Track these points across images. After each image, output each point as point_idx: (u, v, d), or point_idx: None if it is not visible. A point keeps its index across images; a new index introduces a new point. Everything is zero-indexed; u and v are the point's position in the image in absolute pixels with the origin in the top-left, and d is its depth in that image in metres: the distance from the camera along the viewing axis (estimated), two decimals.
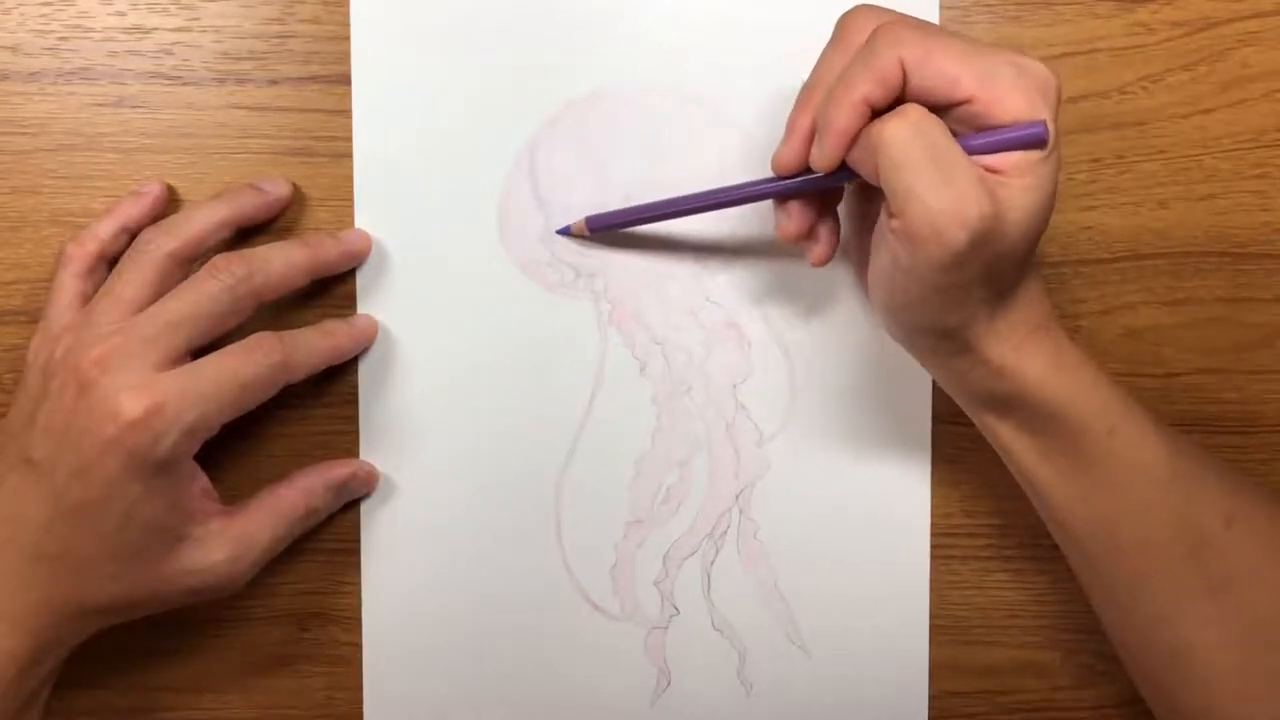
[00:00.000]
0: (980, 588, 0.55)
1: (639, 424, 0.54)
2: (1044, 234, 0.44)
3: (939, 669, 0.55)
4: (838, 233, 0.48)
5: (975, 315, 0.44)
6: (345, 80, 0.53)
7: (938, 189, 0.41)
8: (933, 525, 0.55)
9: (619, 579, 0.54)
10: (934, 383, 0.54)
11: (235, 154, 0.53)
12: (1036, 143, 0.42)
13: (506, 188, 0.53)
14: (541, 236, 0.53)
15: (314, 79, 0.53)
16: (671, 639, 0.55)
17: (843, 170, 0.45)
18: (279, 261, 0.49)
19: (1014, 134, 0.42)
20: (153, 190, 0.52)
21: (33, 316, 0.53)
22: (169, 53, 0.52)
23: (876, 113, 0.43)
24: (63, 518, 0.45)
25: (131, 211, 0.51)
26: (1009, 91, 0.42)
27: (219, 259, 0.48)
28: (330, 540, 0.54)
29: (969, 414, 0.49)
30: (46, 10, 0.52)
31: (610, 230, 0.52)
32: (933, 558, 0.55)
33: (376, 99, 0.53)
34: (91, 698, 0.54)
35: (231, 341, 0.48)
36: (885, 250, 0.44)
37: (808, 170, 0.46)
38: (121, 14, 0.52)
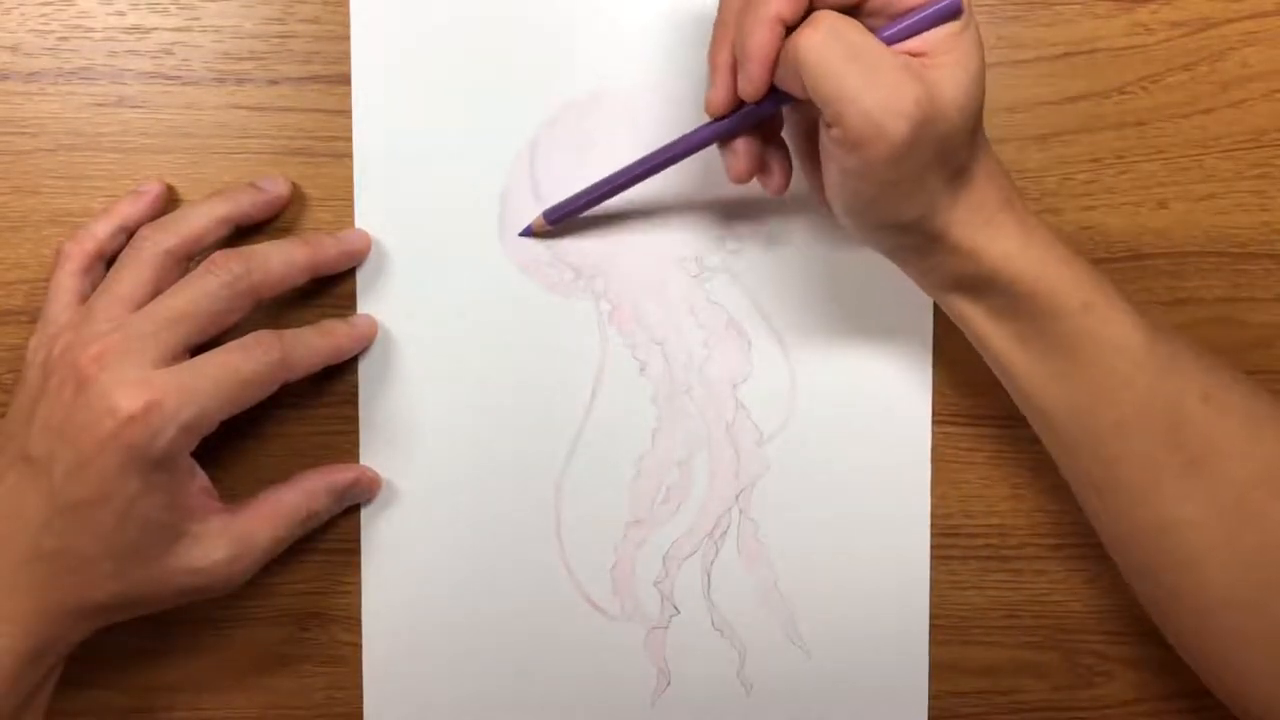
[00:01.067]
0: (980, 588, 0.55)
1: (639, 424, 0.54)
2: (984, 109, 0.44)
3: (939, 669, 0.55)
4: (789, 160, 0.48)
5: (935, 203, 0.44)
6: (345, 80, 0.53)
7: (867, 88, 0.41)
8: (933, 525, 0.55)
9: (619, 579, 0.54)
10: (934, 383, 0.54)
11: (235, 154, 0.53)
12: (952, 13, 0.42)
13: (506, 187, 0.53)
14: (542, 236, 0.53)
15: (314, 79, 0.53)
16: (671, 639, 0.55)
17: (775, 95, 0.45)
18: (278, 259, 0.49)
19: (928, 12, 0.42)
20: (152, 189, 0.52)
21: (33, 316, 0.53)
22: (169, 53, 0.52)
23: (792, 29, 0.43)
24: (61, 515, 0.45)
25: (129, 211, 0.51)
26: None
27: (217, 256, 0.48)
28: (330, 540, 0.54)
29: (944, 306, 0.49)
30: (46, 10, 0.52)
31: (569, 218, 0.52)
32: (933, 558, 0.55)
33: (376, 99, 0.53)
34: (91, 698, 0.54)
35: (230, 339, 0.48)
36: (831, 161, 0.44)
37: (741, 105, 0.46)
38: (121, 14, 0.52)
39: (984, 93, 0.44)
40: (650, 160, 0.49)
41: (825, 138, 0.43)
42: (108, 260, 0.51)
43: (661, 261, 0.54)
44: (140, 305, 0.47)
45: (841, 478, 0.54)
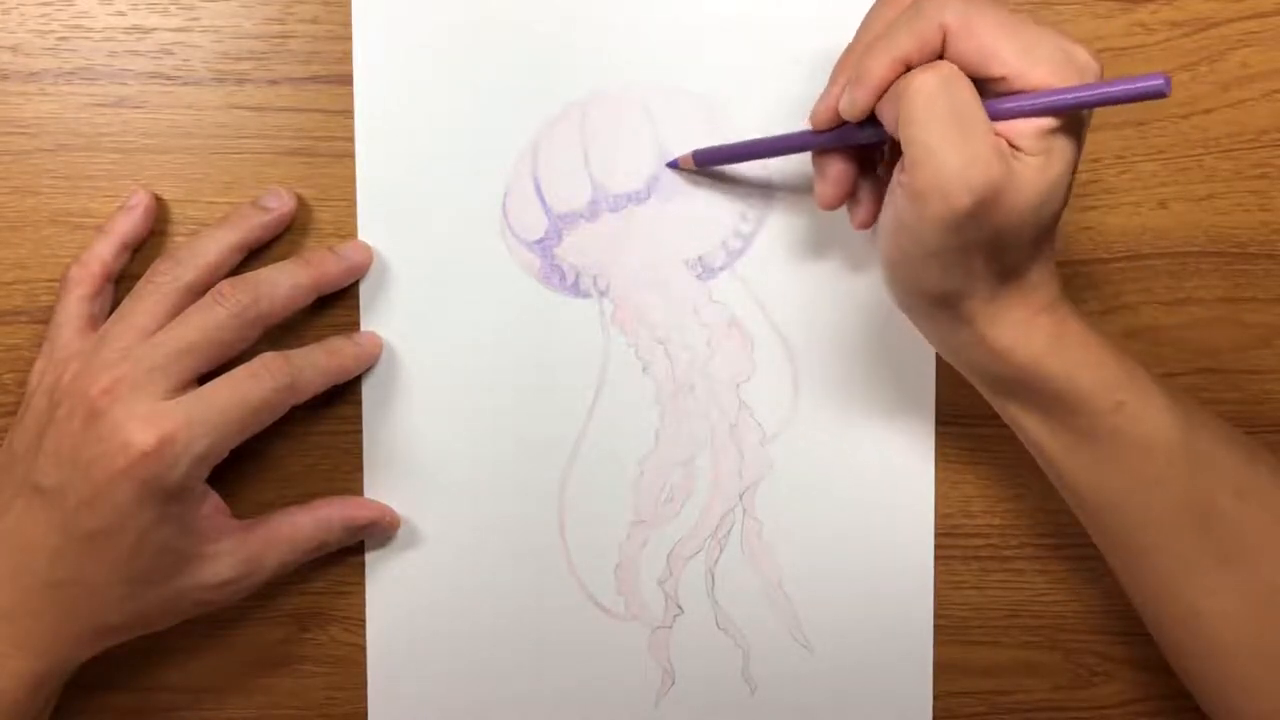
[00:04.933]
0: (980, 588, 0.55)
1: (642, 423, 0.54)
2: (1059, 222, 0.43)
3: (940, 669, 0.55)
4: (880, 196, 0.48)
5: (975, 288, 0.44)
6: (345, 80, 0.53)
7: (952, 148, 0.40)
8: (933, 525, 0.55)
9: (623, 578, 0.54)
10: (936, 385, 0.54)
11: (235, 154, 0.53)
12: (1157, 94, 0.40)
13: (509, 187, 0.53)
14: (544, 237, 0.53)
15: (314, 79, 0.53)
16: (675, 638, 0.55)
17: (876, 127, 0.44)
18: (284, 285, 0.49)
19: (1133, 85, 0.40)
20: (141, 201, 0.51)
21: (33, 316, 0.53)
22: (169, 53, 0.52)
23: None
24: (74, 545, 0.45)
25: (126, 227, 0.51)
26: (1047, 75, 0.41)
27: (225, 285, 0.48)
28: None
29: (976, 387, 0.48)
30: (46, 10, 0.52)
31: (715, 164, 0.52)
32: (933, 558, 0.55)
33: (378, 99, 0.53)
34: (91, 698, 0.54)
35: (238, 362, 0.48)
36: (892, 205, 0.43)
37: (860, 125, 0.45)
38: (121, 14, 0.52)
39: (1064, 205, 0.43)
40: (794, 140, 0.49)
41: (895, 179, 0.43)
42: (114, 281, 0.51)
43: (664, 261, 0.53)
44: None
45: (845, 477, 0.54)
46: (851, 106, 0.44)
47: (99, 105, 0.52)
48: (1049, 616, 0.56)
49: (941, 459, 0.55)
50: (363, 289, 0.53)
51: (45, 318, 0.52)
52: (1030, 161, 0.41)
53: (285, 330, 0.52)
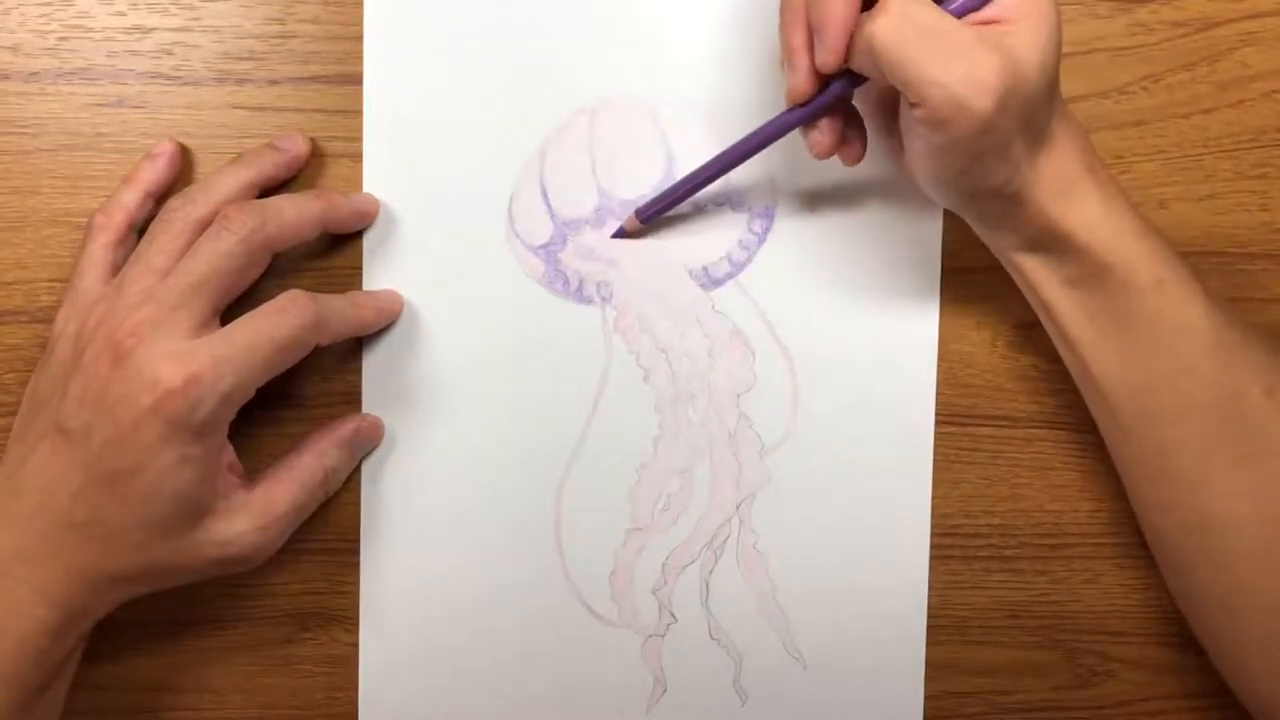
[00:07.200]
0: (980, 588, 0.55)
1: (641, 431, 0.54)
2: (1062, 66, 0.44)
3: (939, 669, 0.55)
4: (864, 129, 0.48)
5: (1019, 167, 0.44)
6: (346, 80, 0.53)
7: (946, 67, 0.41)
8: (933, 525, 0.55)
9: (617, 585, 0.54)
10: (936, 392, 0.54)
11: (235, 154, 0.53)
12: None
13: (516, 191, 0.53)
14: (549, 242, 0.53)
15: (314, 79, 0.53)
16: (668, 647, 0.55)
17: (851, 76, 0.45)
18: (291, 210, 0.49)
19: None
20: (166, 150, 0.52)
21: (33, 316, 0.53)
22: (169, 53, 0.52)
23: (866, 2, 0.43)
24: (94, 485, 0.45)
25: (150, 176, 0.51)
26: None
27: (230, 210, 0.48)
28: (330, 540, 0.54)
29: (1014, 271, 0.49)
30: (46, 10, 0.52)
31: (661, 215, 0.52)
32: (933, 558, 0.55)
33: (388, 101, 0.53)
34: (92, 697, 0.54)
35: (260, 301, 0.48)
36: (916, 138, 0.44)
37: (820, 90, 0.46)
38: (121, 14, 0.52)
39: (1061, 47, 0.43)
40: (733, 152, 0.49)
41: (908, 116, 0.43)
42: (138, 229, 0.51)
43: (668, 270, 0.53)
44: None
45: (842, 490, 0.54)
46: (828, 55, 0.44)
47: (99, 105, 0.52)
48: (1049, 616, 0.56)
49: (941, 459, 0.55)
50: (367, 288, 0.53)
51: (45, 318, 0.52)
52: (1022, 26, 0.42)
53: None
